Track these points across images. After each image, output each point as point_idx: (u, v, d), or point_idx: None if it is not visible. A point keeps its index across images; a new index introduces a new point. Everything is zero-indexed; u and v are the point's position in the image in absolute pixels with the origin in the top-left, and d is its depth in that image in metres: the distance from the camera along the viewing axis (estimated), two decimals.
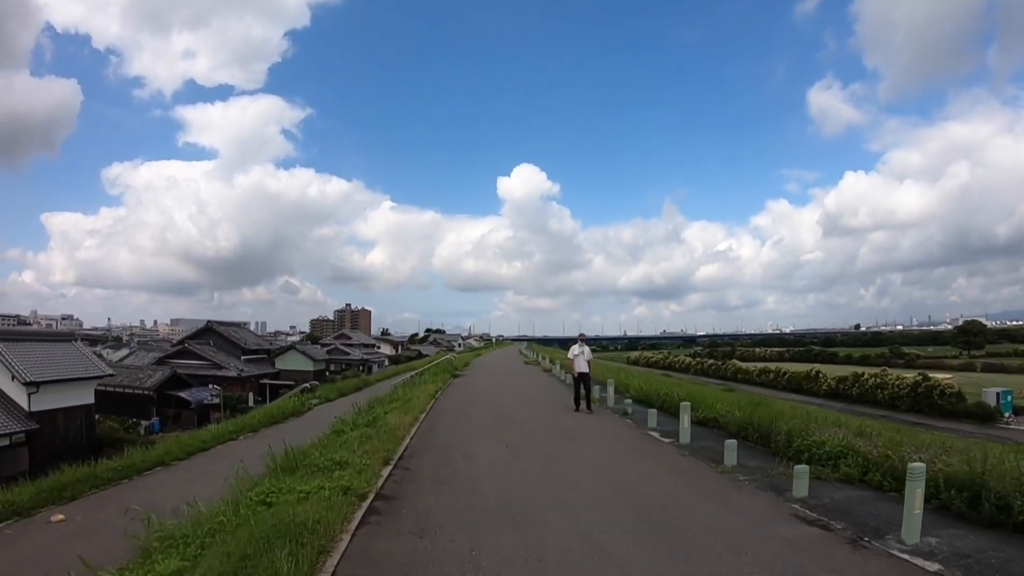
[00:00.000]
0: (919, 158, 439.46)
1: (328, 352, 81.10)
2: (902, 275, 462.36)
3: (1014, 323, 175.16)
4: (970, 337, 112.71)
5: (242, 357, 55.92)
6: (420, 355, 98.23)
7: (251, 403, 41.79)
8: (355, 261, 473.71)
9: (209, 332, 58.05)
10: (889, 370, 70.88)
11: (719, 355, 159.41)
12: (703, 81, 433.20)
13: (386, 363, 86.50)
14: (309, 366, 65.66)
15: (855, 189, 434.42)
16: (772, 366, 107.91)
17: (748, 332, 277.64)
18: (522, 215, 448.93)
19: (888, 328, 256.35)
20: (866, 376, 71.00)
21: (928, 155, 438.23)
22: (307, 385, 40.05)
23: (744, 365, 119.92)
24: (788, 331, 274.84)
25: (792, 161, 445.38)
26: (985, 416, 55.97)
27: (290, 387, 53.97)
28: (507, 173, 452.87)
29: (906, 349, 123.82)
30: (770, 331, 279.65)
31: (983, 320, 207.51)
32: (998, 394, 57.67)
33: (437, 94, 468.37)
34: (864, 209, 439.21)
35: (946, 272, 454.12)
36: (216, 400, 39.86)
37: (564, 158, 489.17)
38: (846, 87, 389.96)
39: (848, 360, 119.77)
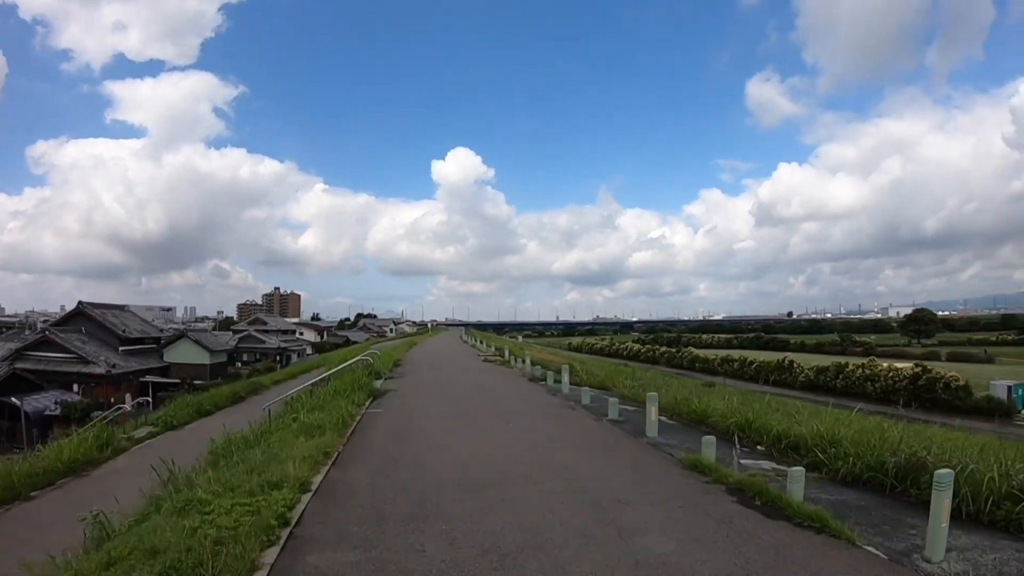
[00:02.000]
0: (853, 152, 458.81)
1: (240, 340, 71.23)
2: (832, 264, 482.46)
3: (946, 313, 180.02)
4: (920, 326, 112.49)
5: (120, 348, 44.29)
6: (348, 342, 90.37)
7: (128, 407, 30.62)
8: (287, 244, 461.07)
9: (80, 317, 45.77)
10: (877, 360, 67.22)
11: (664, 341, 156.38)
12: (642, 68, 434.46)
13: (308, 352, 78.67)
14: (205, 358, 54.63)
15: (789, 180, 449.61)
16: (735, 354, 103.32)
17: (682, 318, 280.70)
18: (456, 199, 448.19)
19: (818, 315, 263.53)
20: (852, 367, 66.86)
21: (862, 150, 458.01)
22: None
23: (701, 353, 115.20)
24: (720, 317, 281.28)
25: (727, 151, 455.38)
26: (1000, 412, 52.00)
27: (177, 386, 44.78)
28: (442, 157, 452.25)
29: (857, 337, 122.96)
30: (702, 317, 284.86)
31: (910, 310, 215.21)
32: (1010, 387, 53.55)
33: (372, 75, 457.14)
34: (797, 200, 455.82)
35: (875, 263, 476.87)
36: (56, 411, 29.06)
37: (500, 143, 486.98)
38: (785, 80, 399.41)
39: (802, 348, 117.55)
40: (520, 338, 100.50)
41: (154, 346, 52.46)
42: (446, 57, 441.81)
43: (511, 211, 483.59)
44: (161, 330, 64.11)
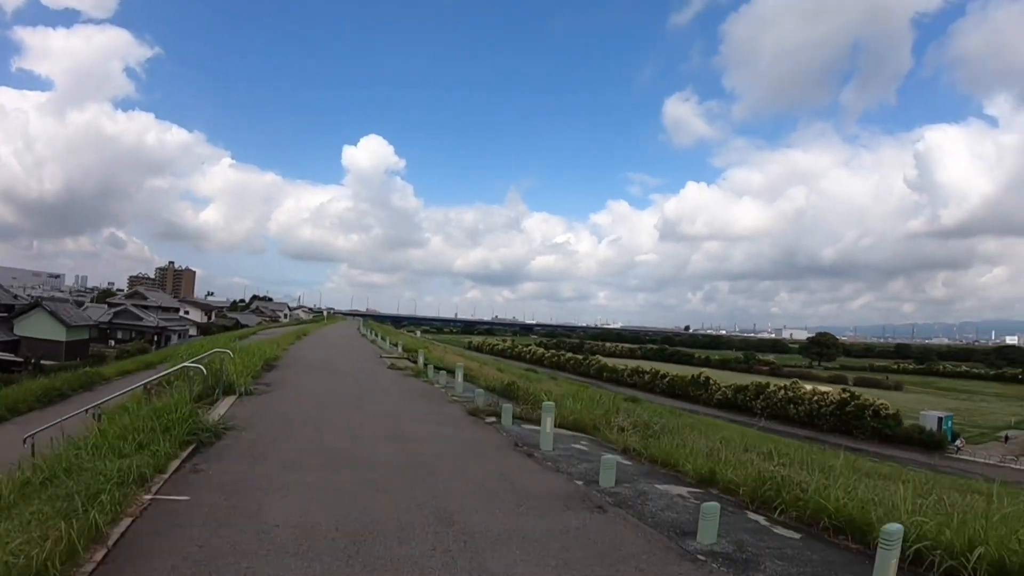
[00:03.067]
0: (760, 178, 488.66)
1: (115, 315, 64.54)
2: (730, 284, 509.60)
3: (843, 338, 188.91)
4: (822, 349, 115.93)
5: None
6: (238, 325, 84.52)
7: None
8: (188, 218, 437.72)
9: None
10: (800, 382, 65.57)
11: (568, 347, 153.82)
12: (564, 73, 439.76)
13: (192, 333, 72.20)
14: (61, 334, 46.60)
15: (695, 199, 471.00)
16: (647, 366, 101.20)
17: (581, 324, 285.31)
18: (365, 187, 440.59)
19: (714, 331, 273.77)
20: (773, 387, 64.84)
21: (769, 177, 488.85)
22: None
23: (610, 362, 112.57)
24: (619, 326, 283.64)
25: (638, 165, 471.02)
26: (932, 443, 51.16)
27: (22, 366, 38.51)
28: (354, 142, 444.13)
29: (761, 356, 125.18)
30: (600, 325, 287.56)
31: (804, 332, 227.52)
32: (940, 419, 52.92)
33: (292, 51, 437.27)
34: (702, 219, 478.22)
35: (771, 285, 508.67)
36: None
37: (414, 134, 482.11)
38: (703, 102, 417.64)
39: (707, 363, 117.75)
40: (419, 333, 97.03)
41: (5, 316, 44.66)
42: (369, 43, 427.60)
43: (419, 204, 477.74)
44: (16, 297, 53.65)
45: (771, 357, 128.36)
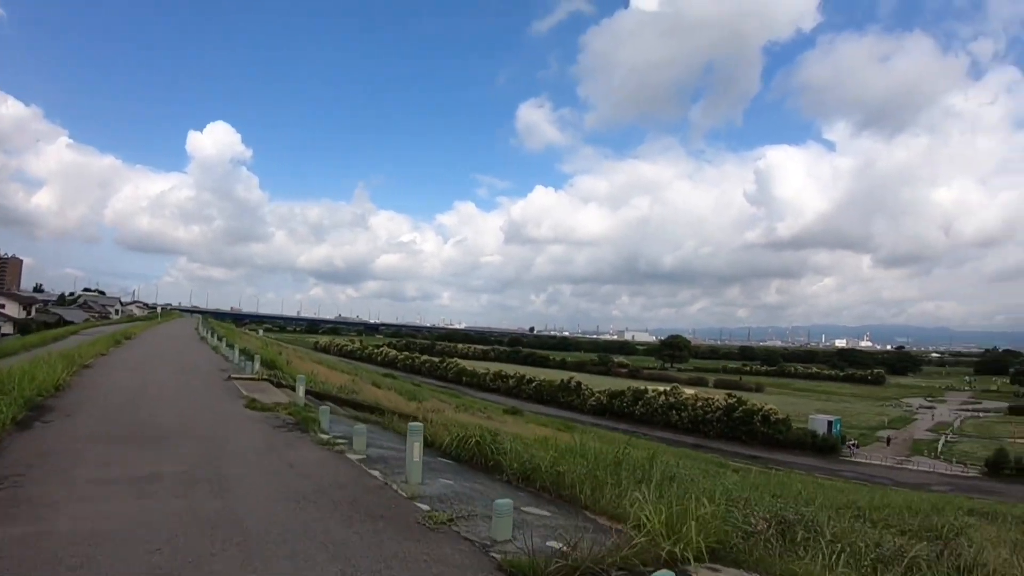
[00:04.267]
0: (606, 186, 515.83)
1: None
2: (573, 286, 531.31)
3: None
4: (675, 351, 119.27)
5: None
6: (62, 321, 73.22)
7: None
8: (18, 201, 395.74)
9: None
10: (681, 387, 63.10)
11: (418, 348, 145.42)
12: (419, 71, 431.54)
13: (7, 331, 63.59)
14: None
15: (542, 203, 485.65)
16: (510, 370, 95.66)
17: (426, 325, 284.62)
18: (209, 176, 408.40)
19: (557, 333, 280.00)
20: (653, 393, 61.84)
21: (615, 185, 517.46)
22: None
23: (469, 365, 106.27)
24: (464, 327, 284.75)
25: (488, 167, 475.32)
26: (826, 447, 50.39)
27: None
28: (200, 128, 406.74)
29: (616, 358, 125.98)
30: (444, 325, 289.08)
31: (646, 335, 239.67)
32: (830, 422, 52.86)
33: (141, 29, 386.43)
34: (548, 222, 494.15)
35: (613, 289, 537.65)
36: None
37: (263, 123, 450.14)
38: (556, 109, 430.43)
39: (563, 365, 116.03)
40: (261, 332, 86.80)
41: None
42: (223, 27, 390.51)
43: (264, 197, 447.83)
44: None
45: (622, 359, 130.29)
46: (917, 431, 59.64)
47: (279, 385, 16.91)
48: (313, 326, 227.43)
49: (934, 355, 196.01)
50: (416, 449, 6.93)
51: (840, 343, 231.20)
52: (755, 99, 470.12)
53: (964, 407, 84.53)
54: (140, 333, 40.43)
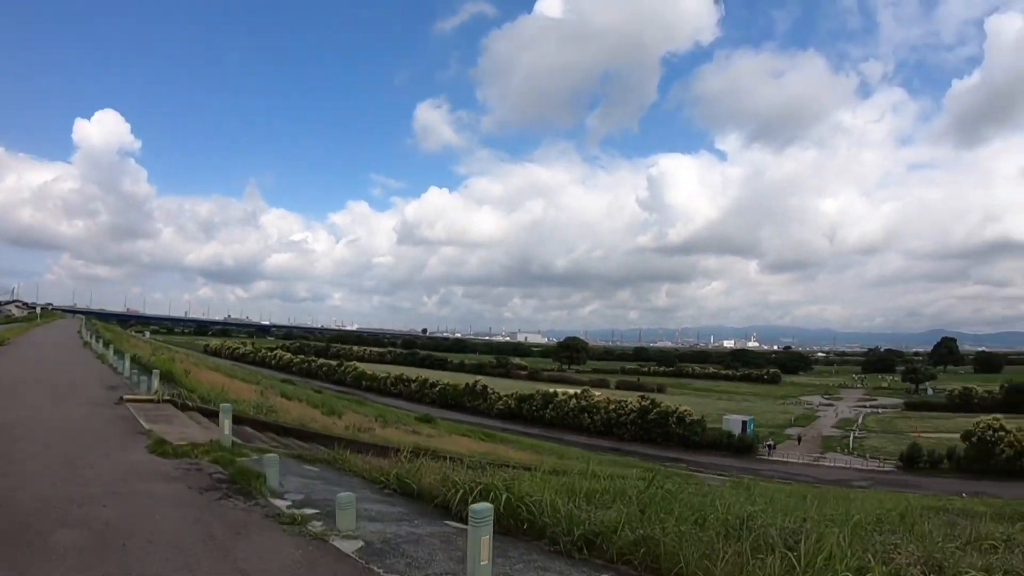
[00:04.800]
0: (500, 189, 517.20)
1: None
2: (465, 288, 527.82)
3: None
4: (572, 353, 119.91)
5: None
6: None
7: None
8: None
9: None
10: (592, 390, 61.85)
11: (313, 351, 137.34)
12: (316, 65, 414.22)
13: None
14: None
15: (436, 204, 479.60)
16: (412, 373, 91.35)
17: (317, 326, 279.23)
18: (95, 167, 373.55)
19: (450, 334, 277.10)
20: (563, 396, 60.21)
21: (509, 188, 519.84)
22: None
23: (368, 369, 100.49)
24: (355, 328, 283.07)
25: (383, 167, 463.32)
26: (742, 447, 50.79)
27: None
28: (88, 116, 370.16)
29: (515, 360, 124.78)
30: (336, 326, 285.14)
31: (539, 336, 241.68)
32: (744, 422, 53.63)
33: (23, 5, 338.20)
34: (441, 224, 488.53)
35: (505, 291, 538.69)
36: None
37: (154, 112, 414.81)
38: (454, 111, 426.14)
39: (462, 367, 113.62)
40: (147, 334, 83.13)
41: None
42: (117, 8, 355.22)
43: (152, 191, 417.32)
44: None
45: (519, 360, 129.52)
46: (824, 428, 63.45)
47: (184, 408, 13.13)
48: (202, 328, 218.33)
49: (820, 355, 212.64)
50: (484, 547, 4.33)
51: (728, 344, 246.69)
52: (651, 108, 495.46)
53: (861, 404, 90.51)
54: (14, 338, 36.39)
